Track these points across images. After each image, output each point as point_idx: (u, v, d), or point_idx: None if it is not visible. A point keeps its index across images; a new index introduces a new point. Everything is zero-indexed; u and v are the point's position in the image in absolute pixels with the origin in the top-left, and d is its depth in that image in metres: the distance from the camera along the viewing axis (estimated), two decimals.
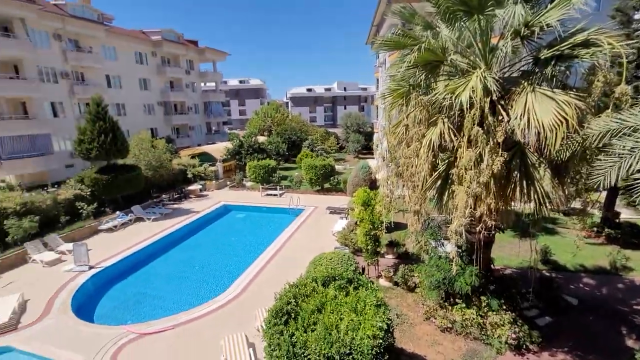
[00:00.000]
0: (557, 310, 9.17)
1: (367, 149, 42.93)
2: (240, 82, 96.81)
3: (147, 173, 21.81)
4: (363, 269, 11.51)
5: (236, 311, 10.11)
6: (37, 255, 13.87)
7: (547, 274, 11.03)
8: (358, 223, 11.45)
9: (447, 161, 7.44)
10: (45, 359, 8.44)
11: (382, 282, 11.11)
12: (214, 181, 26.70)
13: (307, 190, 24.32)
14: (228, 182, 27.52)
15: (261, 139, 35.59)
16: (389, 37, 7.70)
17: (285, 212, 20.16)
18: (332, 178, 23.88)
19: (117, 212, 18.59)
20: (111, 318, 10.56)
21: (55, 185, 19.90)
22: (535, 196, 6.40)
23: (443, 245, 9.94)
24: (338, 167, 31.15)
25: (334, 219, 17.94)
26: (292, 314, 6.03)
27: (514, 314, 8.07)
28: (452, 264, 7.12)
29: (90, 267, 13.08)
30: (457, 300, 8.70)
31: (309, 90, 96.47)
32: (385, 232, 11.22)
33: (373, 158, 37.23)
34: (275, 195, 23.61)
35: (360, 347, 5.09)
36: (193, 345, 8.65)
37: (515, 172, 6.57)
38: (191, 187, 24.77)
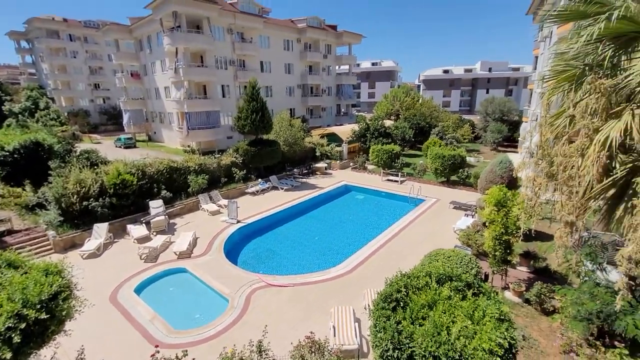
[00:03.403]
0: None
1: (509, 141, 36.81)
2: (373, 64, 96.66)
3: (284, 148, 24.87)
4: (486, 276, 10.29)
5: (345, 285, 10.75)
6: (205, 205, 18.02)
7: None
8: (487, 224, 10.17)
9: (630, 166, 5.69)
10: (205, 284, 11.12)
11: (509, 295, 9.71)
12: (338, 161, 28.24)
13: (430, 181, 22.96)
14: (351, 164, 28.63)
15: (388, 123, 35.16)
16: (562, 6, 6.22)
17: (404, 200, 19.68)
18: (461, 170, 21.71)
19: (259, 180, 22.09)
20: (249, 265, 12.90)
21: (219, 153, 24.99)
22: None
23: (605, 271, 7.86)
24: (469, 159, 28.02)
25: (458, 215, 16.45)
26: (401, 303, 6.02)
27: None
28: (615, 297, 5.59)
29: (238, 221, 16.17)
30: (615, 343, 6.84)
31: (446, 71, 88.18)
32: (521, 240, 9.59)
33: (516, 152, 31.70)
34: (395, 181, 23.25)
35: (472, 358, 4.70)
36: (306, 305, 9.74)
37: None
38: (318, 165, 26.95)
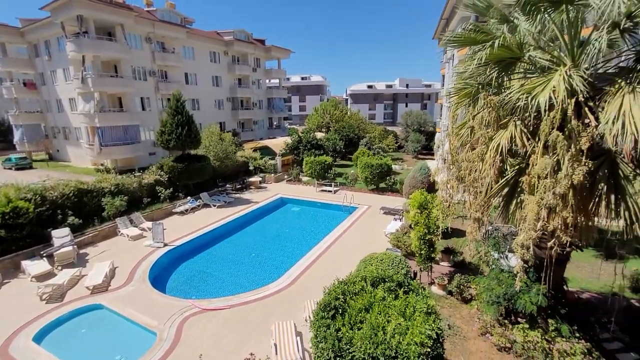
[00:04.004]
0: None
1: (427, 150, 41.01)
2: (302, 78, 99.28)
3: (214, 163, 23.75)
4: (415, 274, 11.14)
5: (285, 300, 10.58)
6: (125, 230, 16.09)
7: (638, 305, 9.48)
8: (412, 226, 11.08)
9: (517, 167, 6.82)
10: (126, 319, 9.84)
11: (435, 289, 10.64)
12: (272, 174, 28.01)
13: (361, 189, 24.18)
14: (286, 176, 28.63)
15: (319, 135, 36.23)
16: (458, 33, 7.25)
17: (339, 209, 20.33)
18: (388, 178, 23.37)
19: (188, 198, 20.64)
20: (179, 291, 11.84)
21: (141, 171, 22.74)
22: (627, 213, 5.56)
23: (507, 258, 9.15)
24: (395, 167, 30.33)
25: (388, 219, 17.59)
26: (340, 310, 6.14)
27: (589, 343, 7.13)
28: (515, 279, 6.55)
29: (165, 245, 14.79)
30: (518, 319, 7.97)
31: (370, 87, 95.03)
32: (441, 238, 10.68)
33: (433, 159, 35.40)
34: (329, 191, 23.93)
35: (406, 353, 4.99)
36: (245, 326, 9.29)
37: (602, 184, 5.77)
38: (252, 179, 26.32)
